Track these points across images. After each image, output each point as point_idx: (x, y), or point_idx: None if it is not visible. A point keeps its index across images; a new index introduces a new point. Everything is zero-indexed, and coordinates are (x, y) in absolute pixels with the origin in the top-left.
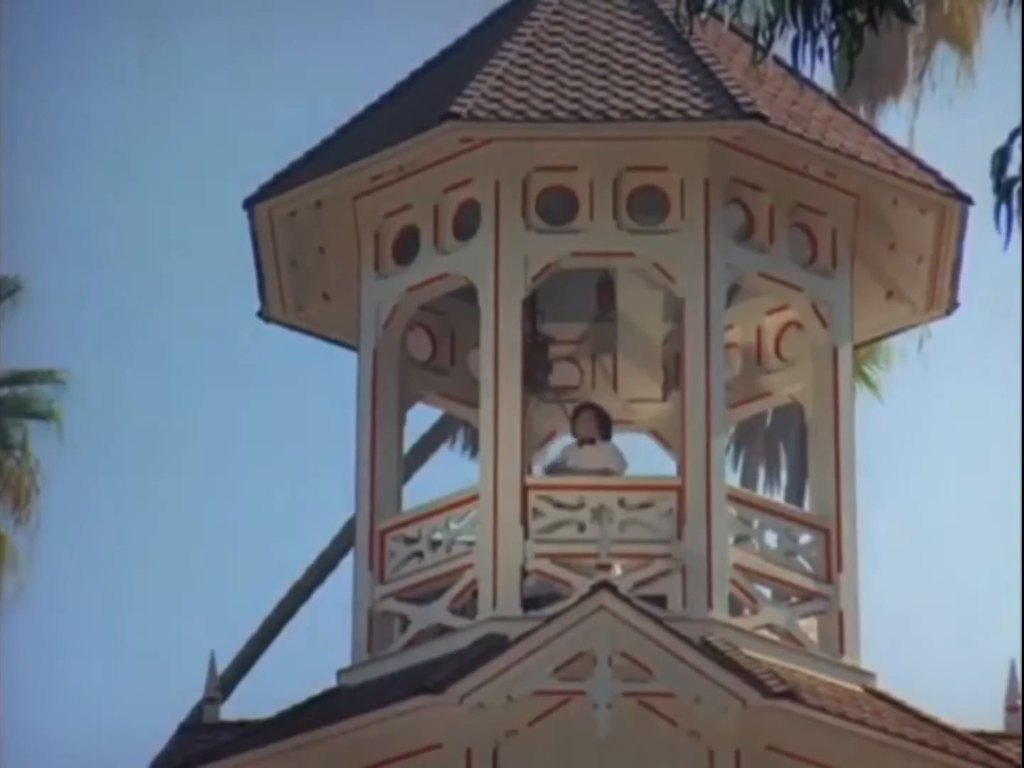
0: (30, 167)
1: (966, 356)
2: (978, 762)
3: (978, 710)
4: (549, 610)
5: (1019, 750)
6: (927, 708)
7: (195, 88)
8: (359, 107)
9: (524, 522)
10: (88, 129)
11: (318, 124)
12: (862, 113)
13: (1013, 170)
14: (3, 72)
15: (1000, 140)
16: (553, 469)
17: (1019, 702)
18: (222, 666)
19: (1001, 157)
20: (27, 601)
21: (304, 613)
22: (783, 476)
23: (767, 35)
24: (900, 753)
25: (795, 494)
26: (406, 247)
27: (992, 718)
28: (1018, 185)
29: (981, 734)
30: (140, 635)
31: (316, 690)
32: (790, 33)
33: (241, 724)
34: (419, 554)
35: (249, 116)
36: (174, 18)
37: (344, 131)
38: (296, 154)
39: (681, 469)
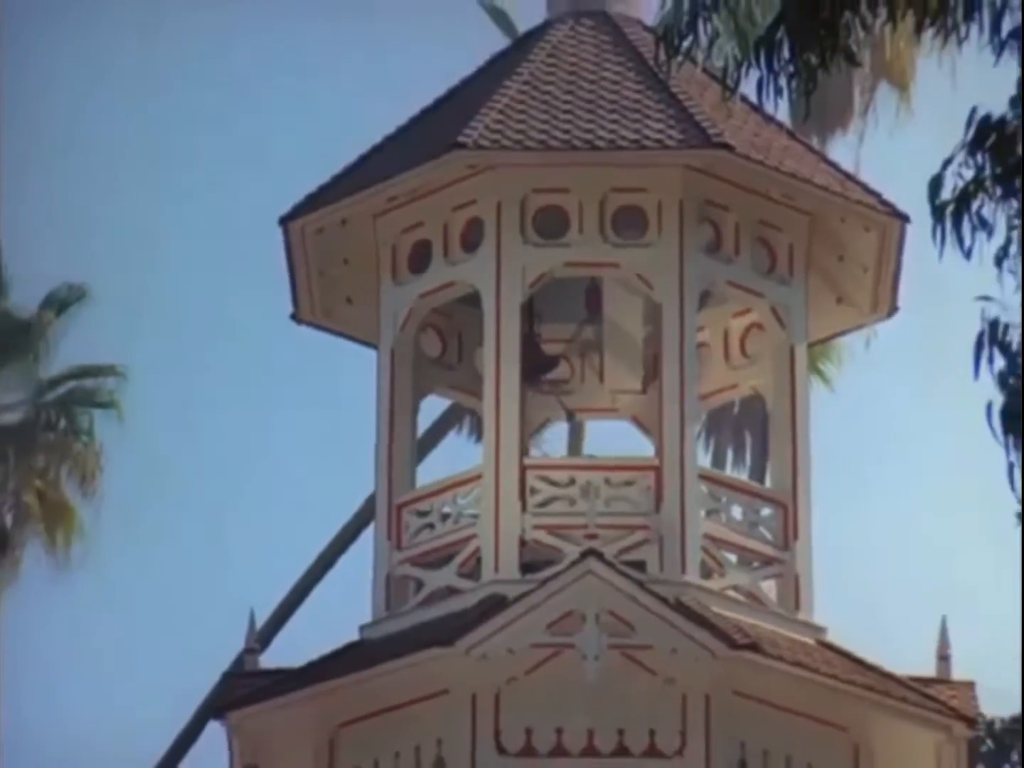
0: (95, 182)
1: (907, 352)
2: (914, 703)
3: (915, 659)
4: (544, 574)
5: (950, 692)
6: (871, 657)
7: (236, 100)
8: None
9: (522, 498)
10: (139, 144)
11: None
12: (815, 143)
13: (946, 194)
14: (62, 85)
15: (934, 168)
16: None
17: (948, 651)
18: (261, 622)
19: (935, 183)
20: (92, 563)
21: (331, 576)
22: (748, 458)
23: (734, 76)
24: (848, 697)
25: (758, 473)
26: (419, 258)
27: (927, 665)
28: (951, 207)
29: (917, 679)
30: (190, 593)
31: (342, 642)
32: (754, 74)
33: (277, 672)
34: (431, 525)
35: (284, 128)
36: (219, 30)
37: (365, 158)
38: (323, 167)
39: (659, 452)
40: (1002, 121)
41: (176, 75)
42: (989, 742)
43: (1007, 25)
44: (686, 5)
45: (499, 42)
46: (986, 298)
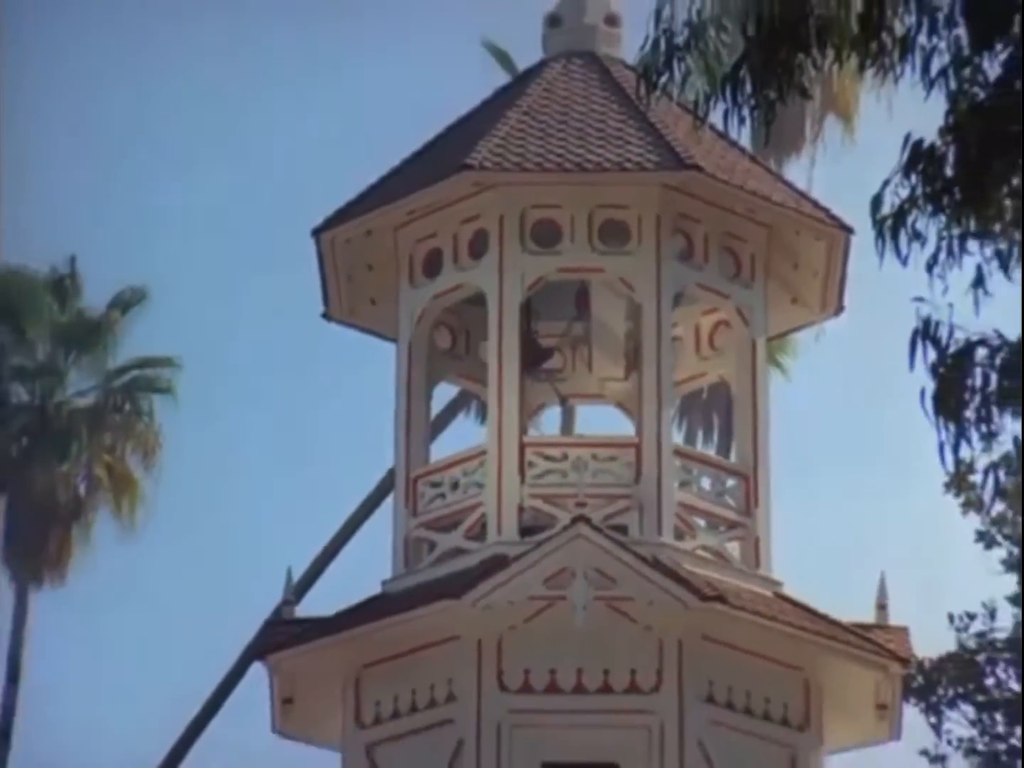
0: (150, 197)
1: (852, 346)
2: (857, 646)
3: (857, 609)
4: (540, 536)
5: (886, 637)
6: (821, 607)
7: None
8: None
9: (521, 471)
10: (185, 160)
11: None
12: (772, 166)
13: (885, 210)
14: (114, 95)
15: (875, 187)
16: None
17: (885, 602)
18: (296, 578)
19: (876, 201)
20: (154, 527)
21: (357, 538)
22: (715, 436)
23: (704, 108)
24: (801, 641)
25: (724, 450)
26: (432, 264)
27: (867, 614)
28: (889, 221)
29: (859, 625)
30: (236, 552)
31: (366, 595)
32: (721, 106)
33: (310, 620)
34: (442, 495)
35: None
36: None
37: (386, 178)
38: (350, 182)
39: (638, 431)
40: (932, 147)
41: (219, 86)
42: (919, 679)
43: (935, 65)
44: (662, 47)
45: (501, 78)
46: (920, 299)
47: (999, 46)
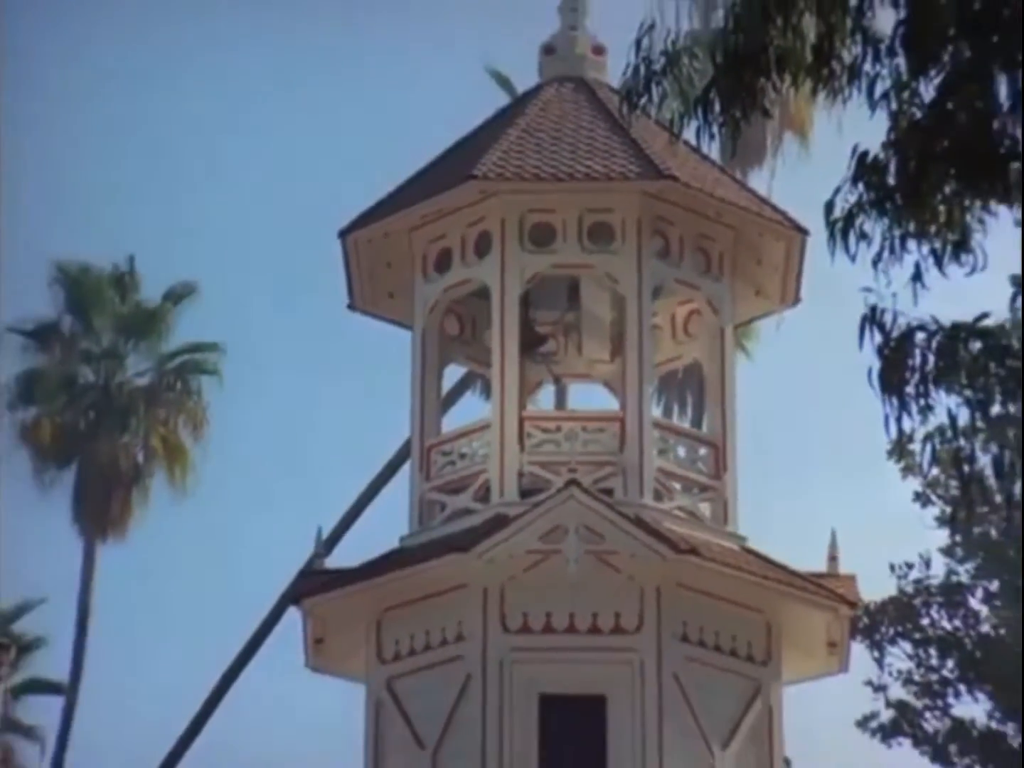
0: (193, 199)
1: (808, 331)
2: (811, 592)
3: (811, 560)
4: (537, 498)
5: (837, 584)
6: (780, 558)
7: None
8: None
9: (520, 441)
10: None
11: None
12: (738, 175)
13: (837, 214)
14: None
15: (827, 195)
16: None
17: (836, 554)
18: (326, 533)
19: (829, 206)
20: (200, 492)
21: (379, 499)
22: (689, 411)
23: (678, 125)
24: (763, 588)
25: (696, 422)
26: (443, 262)
27: (820, 564)
28: (840, 224)
29: (813, 574)
30: (273, 510)
31: (386, 549)
32: (693, 124)
33: (338, 570)
34: (452, 462)
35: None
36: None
37: (402, 187)
38: (371, 186)
39: (622, 406)
40: (876, 159)
41: (253, 102)
42: (865, 619)
43: (878, 89)
44: (642, 73)
45: (502, 99)
46: (867, 290)
47: (933, 72)
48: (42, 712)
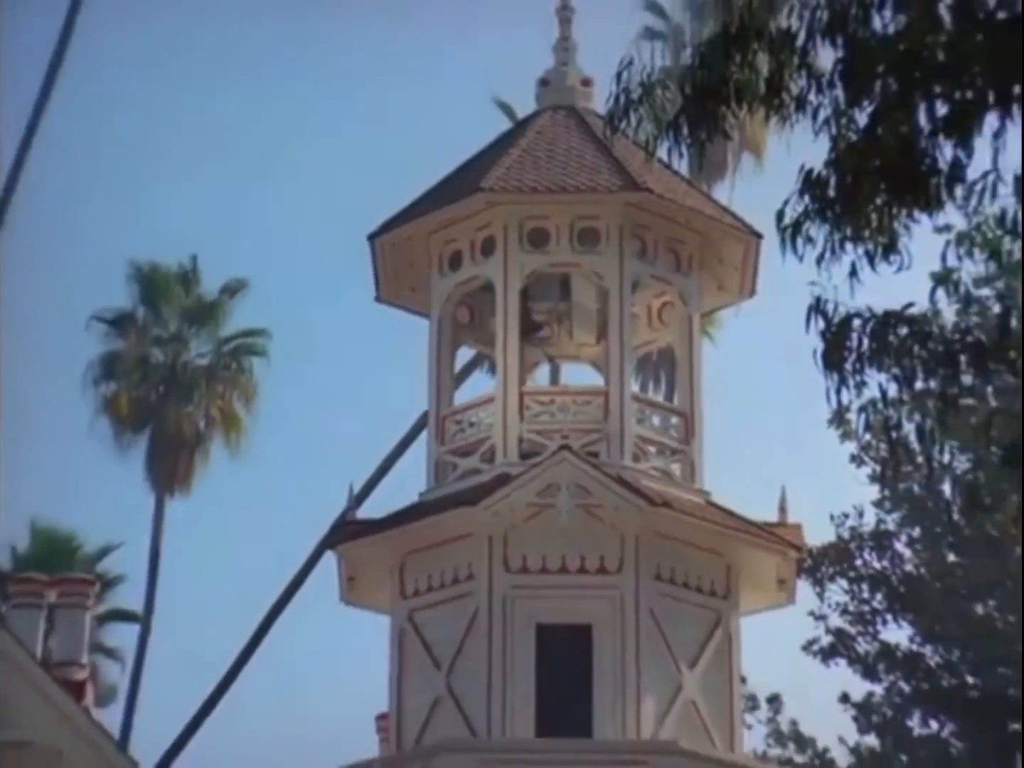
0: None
1: (762, 319)
2: (765, 538)
3: (765, 511)
4: (534, 460)
5: (785, 531)
6: (739, 510)
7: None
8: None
9: (520, 412)
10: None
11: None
12: (704, 188)
13: (787, 220)
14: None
15: (778, 204)
16: None
17: (786, 506)
18: (357, 489)
19: (780, 214)
20: (251, 454)
21: (401, 460)
22: (663, 386)
23: (653, 145)
24: (724, 535)
25: (669, 396)
26: (455, 261)
27: (772, 515)
28: (790, 229)
29: (766, 523)
30: (314, 470)
31: (407, 503)
32: (665, 144)
33: (367, 521)
34: (463, 429)
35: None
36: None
37: (421, 198)
38: (395, 199)
39: (606, 382)
40: (819, 175)
41: (292, 123)
42: (809, 560)
43: (821, 116)
44: (622, 101)
45: (505, 124)
46: (812, 283)
47: (866, 102)
48: (121, 637)
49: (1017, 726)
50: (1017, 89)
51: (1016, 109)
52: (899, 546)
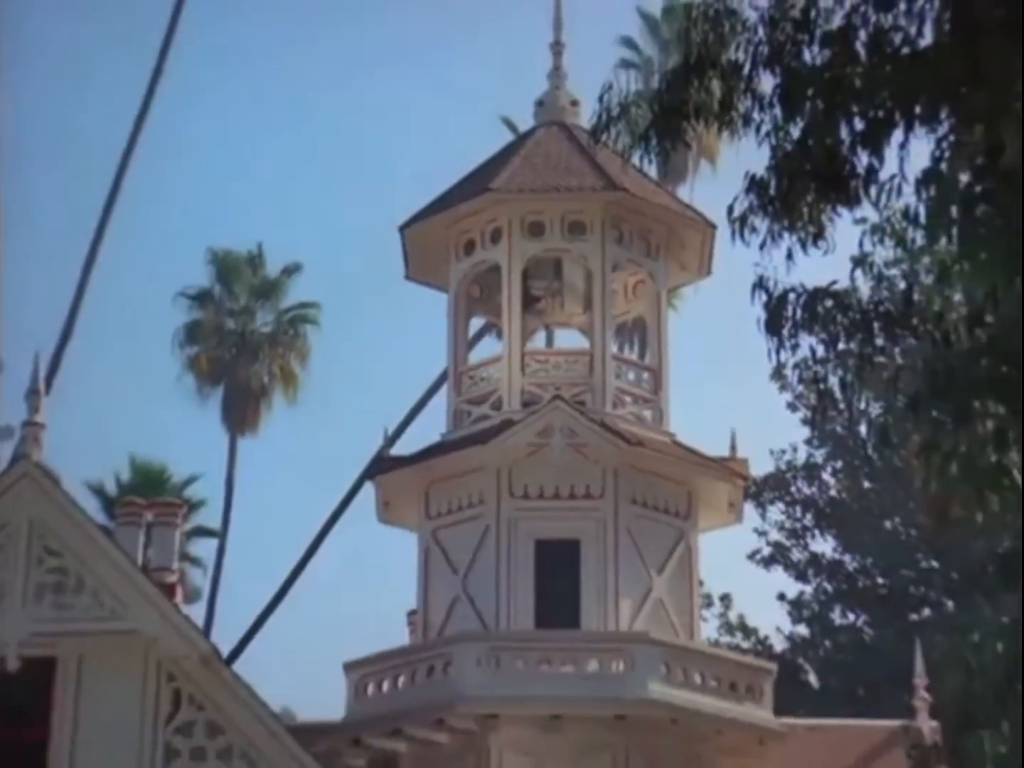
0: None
1: (716, 294)
2: (718, 469)
3: (719, 447)
4: (533, 408)
5: (735, 464)
6: (698, 446)
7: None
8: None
9: (522, 369)
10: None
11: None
12: (669, 188)
13: (736, 214)
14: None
15: (728, 201)
16: None
17: (735, 443)
18: (391, 431)
19: (730, 208)
20: (306, 403)
21: (426, 409)
22: (636, 348)
23: (628, 153)
24: (687, 467)
25: (641, 356)
26: (469, 248)
27: (724, 451)
28: (738, 221)
29: (720, 457)
30: (356, 415)
31: (431, 443)
32: (638, 153)
33: (399, 457)
34: (476, 383)
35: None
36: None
37: (442, 196)
38: (422, 196)
39: (591, 344)
40: (761, 178)
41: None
42: (753, 487)
43: (763, 130)
44: (604, 118)
45: (509, 137)
46: (757, 264)
47: (798, 119)
48: (204, 549)
49: (915, 616)
50: (918, 110)
51: (917, 126)
52: (825, 476)
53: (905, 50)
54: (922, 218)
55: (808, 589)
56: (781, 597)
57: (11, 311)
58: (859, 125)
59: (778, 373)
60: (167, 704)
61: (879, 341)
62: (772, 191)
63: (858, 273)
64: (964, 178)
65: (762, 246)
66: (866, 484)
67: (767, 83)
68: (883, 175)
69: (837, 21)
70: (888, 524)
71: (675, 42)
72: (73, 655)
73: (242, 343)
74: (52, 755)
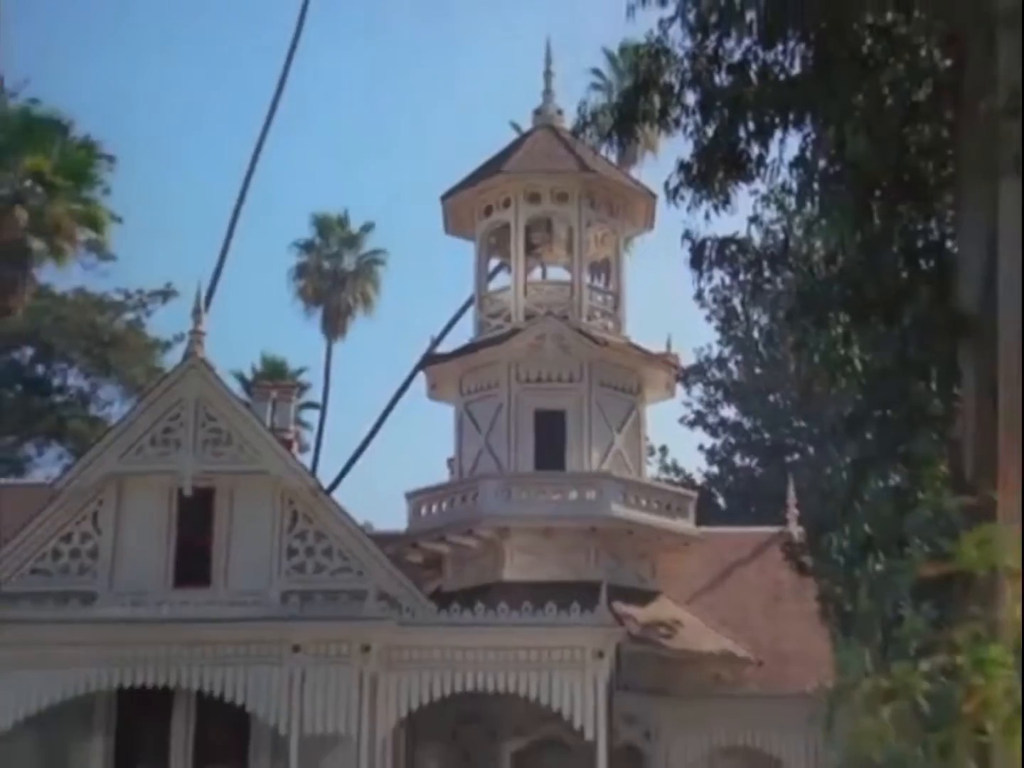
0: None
1: (659, 242)
2: (660, 362)
3: (659, 345)
4: (532, 320)
5: (670, 358)
6: (648, 347)
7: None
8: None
9: (525, 293)
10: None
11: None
12: (626, 170)
13: (672, 186)
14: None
15: (663, 179)
16: None
17: (671, 346)
18: (437, 335)
19: (667, 183)
20: (379, 317)
21: (461, 320)
22: (604, 280)
23: (599, 147)
24: (638, 360)
25: (607, 284)
26: (489, 211)
27: (663, 348)
28: (672, 191)
29: (660, 353)
30: (413, 307)
31: (463, 344)
32: (605, 146)
33: (442, 354)
34: (493, 303)
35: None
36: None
37: (470, 176)
38: (455, 173)
39: (572, 277)
40: (689, 164)
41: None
42: (683, 372)
43: (688, 129)
44: (580, 123)
45: (513, 135)
46: (684, 221)
47: (712, 122)
48: (311, 417)
49: (789, 459)
50: (791, 116)
51: (791, 128)
52: (730, 365)
53: (782, 76)
54: (795, 190)
55: (718, 442)
56: (700, 448)
57: (184, 255)
58: (752, 127)
59: (699, 295)
60: (288, 519)
61: (767, 274)
62: (695, 171)
63: (753, 227)
64: (822, 163)
65: (688, 209)
66: (757, 371)
67: (691, 98)
68: (769, 160)
69: (737, 56)
70: (772, 398)
71: (629, 71)
72: (226, 487)
73: (335, 277)
74: (214, 552)
